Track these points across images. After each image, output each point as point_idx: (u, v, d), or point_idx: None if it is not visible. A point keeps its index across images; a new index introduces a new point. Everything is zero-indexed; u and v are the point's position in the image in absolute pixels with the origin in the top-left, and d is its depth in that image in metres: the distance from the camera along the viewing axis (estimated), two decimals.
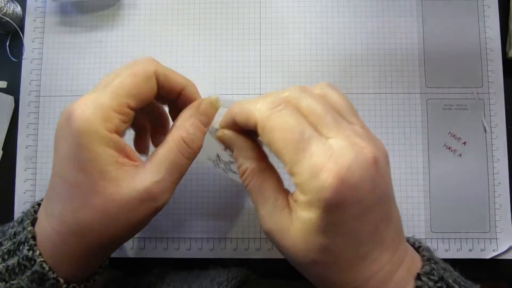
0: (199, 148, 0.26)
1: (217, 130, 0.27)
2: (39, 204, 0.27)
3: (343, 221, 0.21)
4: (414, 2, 0.41)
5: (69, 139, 0.23)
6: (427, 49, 0.40)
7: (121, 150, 0.24)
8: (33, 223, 0.25)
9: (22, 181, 0.39)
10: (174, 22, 0.41)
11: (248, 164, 0.25)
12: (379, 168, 0.21)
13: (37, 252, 0.24)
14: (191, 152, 0.25)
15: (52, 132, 0.40)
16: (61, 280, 0.24)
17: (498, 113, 0.39)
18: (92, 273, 0.27)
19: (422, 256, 0.23)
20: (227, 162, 0.29)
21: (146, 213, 0.24)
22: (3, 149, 0.40)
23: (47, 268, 0.23)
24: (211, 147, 0.29)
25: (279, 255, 0.38)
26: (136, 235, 0.38)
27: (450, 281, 0.22)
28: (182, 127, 0.26)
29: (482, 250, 0.38)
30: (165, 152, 0.25)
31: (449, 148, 0.39)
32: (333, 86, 0.24)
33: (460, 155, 0.39)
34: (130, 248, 0.38)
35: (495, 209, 0.38)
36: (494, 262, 0.38)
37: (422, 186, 0.39)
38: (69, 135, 0.23)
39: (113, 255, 0.38)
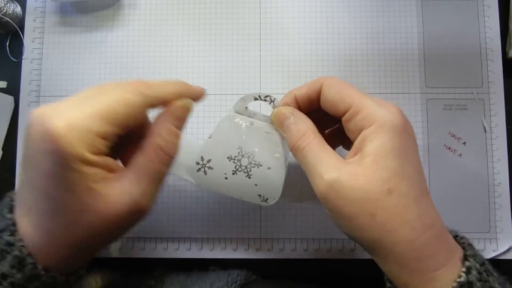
0: (177, 153, 0.26)
1: (249, 122, 0.30)
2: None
3: (407, 147, 0.24)
4: (414, 2, 0.41)
5: (51, 158, 0.22)
6: (427, 49, 0.40)
7: (106, 167, 0.24)
8: (11, 211, 0.25)
9: None
10: (174, 22, 0.41)
11: (310, 128, 0.27)
12: None
13: (18, 237, 0.23)
14: (169, 159, 0.25)
15: None
16: (39, 267, 0.24)
17: (498, 113, 0.39)
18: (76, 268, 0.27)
19: (462, 242, 0.25)
20: (251, 154, 0.30)
21: (134, 223, 0.25)
22: (3, 149, 0.40)
23: (26, 253, 0.23)
24: (232, 142, 0.30)
25: (279, 255, 0.38)
26: (136, 235, 0.38)
27: (490, 268, 0.23)
28: (158, 135, 0.25)
29: (482, 250, 0.38)
30: (145, 162, 0.25)
31: (449, 148, 0.39)
32: None
33: (460, 155, 0.39)
34: (130, 248, 0.38)
35: (495, 209, 0.38)
36: (494, 262, 0.38)
37: None
38: (51, 153, 0.22)
39: (113, 255, 0.38)
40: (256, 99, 0.31)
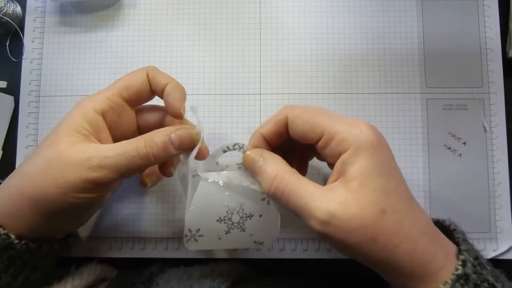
0: (154, 158, 0.27)
1: (225, 178, 0.29)
2: None
3: (386, 161, 0.25)
4: (414, 2, 0.41)
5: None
6: (427, 49, 0.40)
7: (97, 131, 0.28)
8: None
9: None
10: (174, 22, 0.41)
11: (281, 168, 0.26)
12: None
13: None
14: (143, 153, 0.27)
15: None
16: (13, 236, 0.26)
17: (498, 113, 0.39)
18: (50, 239, 0.30)
19: (457, 238, 0.25)
20: (239, 208, 0.29)
21: (78, 178, 0.26)
22: (3, 149, 0.40)
23: None
24: (217, 203, 0.29)
25: (279, 255, 0.38)
26: (137, 235, 0.38)
27: (483, 261, 0.24)
28: (152, 134, 0.28)
29: (482, 250, 0.38)
30: (127, 143, 0.27)
31: (449, 148, 0.39)
32: None
33: (460, 155, 0.39)
34: (130, 249, 0.38)
35: (495, 209, 0.38)
36: (494, 262, 0.38)
37: (422, 186, 0.39)
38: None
39: (113, 255, 0.38)
40: (225, 151, 0.30)
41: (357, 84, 0.40)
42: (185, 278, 0.33)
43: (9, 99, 0.40)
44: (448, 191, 0.38)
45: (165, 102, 0.30)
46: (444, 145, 0.39)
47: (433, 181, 0.39)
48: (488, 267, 0.24)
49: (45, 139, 0.28)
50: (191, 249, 0.30)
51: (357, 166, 0.24)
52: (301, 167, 0.33)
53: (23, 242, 0.27)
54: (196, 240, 0.29)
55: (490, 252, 0.38)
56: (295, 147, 0.32)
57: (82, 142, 0.27)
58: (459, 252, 0.24)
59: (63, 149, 0.26)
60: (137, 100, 0.31)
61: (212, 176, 0.29)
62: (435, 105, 0.39)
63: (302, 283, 0.35)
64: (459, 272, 0.23)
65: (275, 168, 0.26)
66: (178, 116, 0.30)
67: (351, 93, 0.40)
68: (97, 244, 0.38)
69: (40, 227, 0.27)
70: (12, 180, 0.28)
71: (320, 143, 0.26)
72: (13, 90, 0.41)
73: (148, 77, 0.30)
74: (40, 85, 0.41)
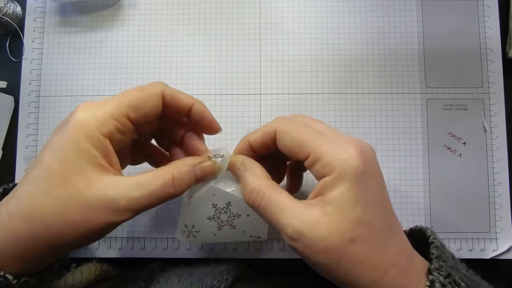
0: (179, 194, 0.27)
1: (213, 182, 0.29)
2: None
3: (369, 191, 0.24)
4: (414, 2, 0.41)
5: (63, 132, 0.25)
6: (427, 49, 0.40)
7: (107, 156, 0.25)
8: None
9: None
10: (174, 22, 0.41)
11: (259, 181, 0.26)
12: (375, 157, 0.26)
13: None
14: (170, 192, 0.26)
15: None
16: (10, 277, 0.24)
17: (498, 113, 0.39)
18: (44, 267, 0.28)
19: (431, 254, 0.25)
20: (226, 208, 0.30)
21: (103, 222, 0.24)
22: (3, 149, 0.40)
23: None
24: (206, 202, 0.30)
25: (279, 255, 0.38)
26: (137, 235, 0.38)
27: (457, 278, 0.23)
28: (177, 168, 0.27)
29: (482, 250, 0.38)
30: (152, 179, 0.25)
31: (449, 148, 0.39)
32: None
33: (460, 155, 0.39)
34: (130, 249, 0.38)
35: (495, 209, 0.38)
36: (494, 262, 0.38)
37: (422, 186, 0.39)
38: (64, 129, 0.25)
39: (113, 255, 0.38)
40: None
41: (357, 84, 0.40)
42: (185, 276, 0.33)
43: (9, 99, 0.40)
44: (448, 191, 0.38)
45: (200, 121, 0.30)
46: (444, 145, 0.39)
47: (433, 181, 0.39)
48: (463, 283, 0.23)
49: (50, 168, 0.24)
50: (192, 243, 0.31)
51: (336, 192, 0.24)
52: (293, 182, 0.33)
53: (22, 280, 0.25)
54: (195, 236, 0.31)
55: (490, 252, 0.38)
56: (281, 160, 0.32)
57: (97, 175, 0.24)
58: (428, 271, 0.24)
59: (81, 189, 0.24)
60: (142, 122, 0.28)
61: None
62: (435, 105, 0.39)
63: (302, 283, 0.35)
64: None
65: (254, 181, 0.26)
66: (217, 131, 0.31)
67: (351, 93, 0.40)
68: (97, 244, 0.38)
69: (48, 262, 0.27)
70: (16, 217, 0.24)
71: (307, 162, 0.26)
72: (13, 90, 0.41)
73: (165, 98, 0.28)
74: (40, 85, 0.41)
